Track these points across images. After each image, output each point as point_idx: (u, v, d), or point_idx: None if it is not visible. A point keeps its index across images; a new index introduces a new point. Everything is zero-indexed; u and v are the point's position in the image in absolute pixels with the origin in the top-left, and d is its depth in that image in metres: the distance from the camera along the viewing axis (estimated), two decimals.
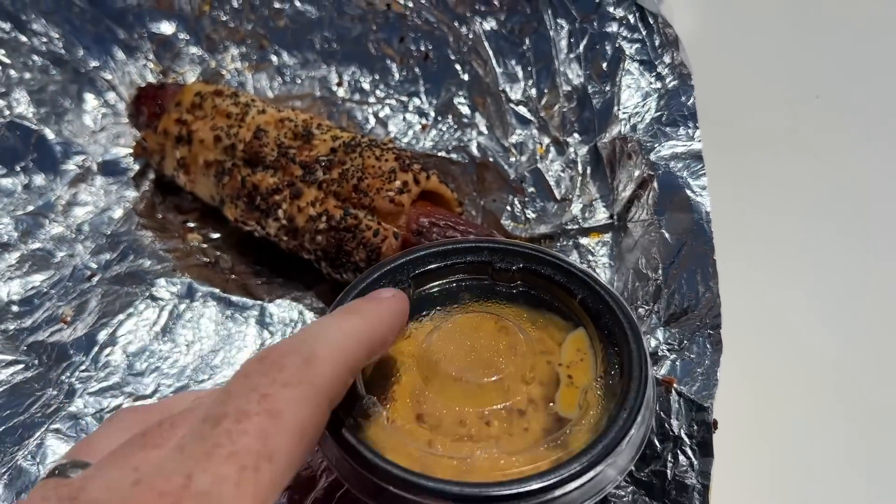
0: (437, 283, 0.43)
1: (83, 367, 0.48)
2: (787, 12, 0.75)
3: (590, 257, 0.54)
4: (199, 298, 0.52)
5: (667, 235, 0.49)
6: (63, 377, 0.48)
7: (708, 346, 0.45)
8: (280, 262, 0.55)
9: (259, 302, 0.53)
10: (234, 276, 0.55)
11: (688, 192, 0.49)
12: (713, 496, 0.40)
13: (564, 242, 0.54)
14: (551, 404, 0.37)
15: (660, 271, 0.48)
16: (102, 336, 0.50)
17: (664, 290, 0.48)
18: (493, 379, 0.37)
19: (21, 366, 0.48)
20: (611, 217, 0.54)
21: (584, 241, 0.54)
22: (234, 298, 0.53)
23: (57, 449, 0.44)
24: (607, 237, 0.54)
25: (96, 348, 0.49)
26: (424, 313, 0.41)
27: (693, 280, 0.47)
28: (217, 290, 0.53)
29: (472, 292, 0.43)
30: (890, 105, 0.67)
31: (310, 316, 0.53)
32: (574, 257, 0.54)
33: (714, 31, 0.59)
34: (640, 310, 0.49)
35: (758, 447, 0.48)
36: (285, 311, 0.53)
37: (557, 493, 0.32)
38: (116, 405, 0.47)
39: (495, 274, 0.43)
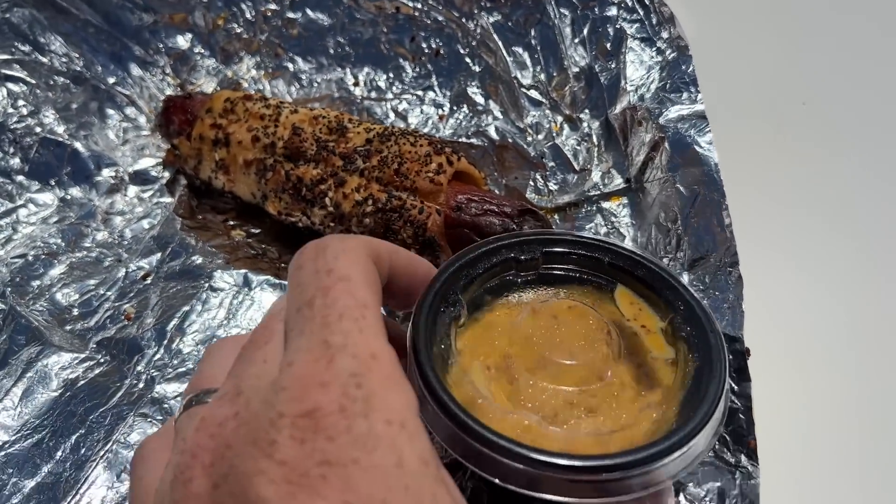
0: (477, 285, 0.42)
1: (157, 357, 0.50)
2: (774, 21, 0.78)
3: (613, 219, 0.59)
4: (256, 287, 0.55)
5: (681, 189, 0.54)
6: (139, 368, 0.49)
7: (730, 282, 0.50)
8: None
9: None
10: (283, 265, 0.58)
11: (696, 148, 0.54)
12: (756, 414, 0.44)
13: (588, 208, 0.59)
14: (650, 353, 0.39)
15: (679, 222, 0.53)
16: (171, 327, 0.52)
17: (684, 238, 0.53)
18: (582, 358, 0.38)
19: (93, 362, 0.50)
20: (627, 181, 0.60)
21: (605, 205, 0.59)
22: None
23: (148, 431, 0.46)
24: (626, 199, 0.59)
25: (166, 339, 0.51)
26: (478, 315, 0.41)
27: (709, 225, 0.52)
28: (271, 278, 0.56)
29: (519, 286, 0.43)
30: (874, 113, 0.70)
31: None
32: (598, 221, 0.59)
33: (701, 40, 0.62)
34: (665, 259, 0.54)
35: (789, 368, 0.53)
36: None
37: (657, 464, 0.33)
38: None
39: (519, 266, 0.43)
